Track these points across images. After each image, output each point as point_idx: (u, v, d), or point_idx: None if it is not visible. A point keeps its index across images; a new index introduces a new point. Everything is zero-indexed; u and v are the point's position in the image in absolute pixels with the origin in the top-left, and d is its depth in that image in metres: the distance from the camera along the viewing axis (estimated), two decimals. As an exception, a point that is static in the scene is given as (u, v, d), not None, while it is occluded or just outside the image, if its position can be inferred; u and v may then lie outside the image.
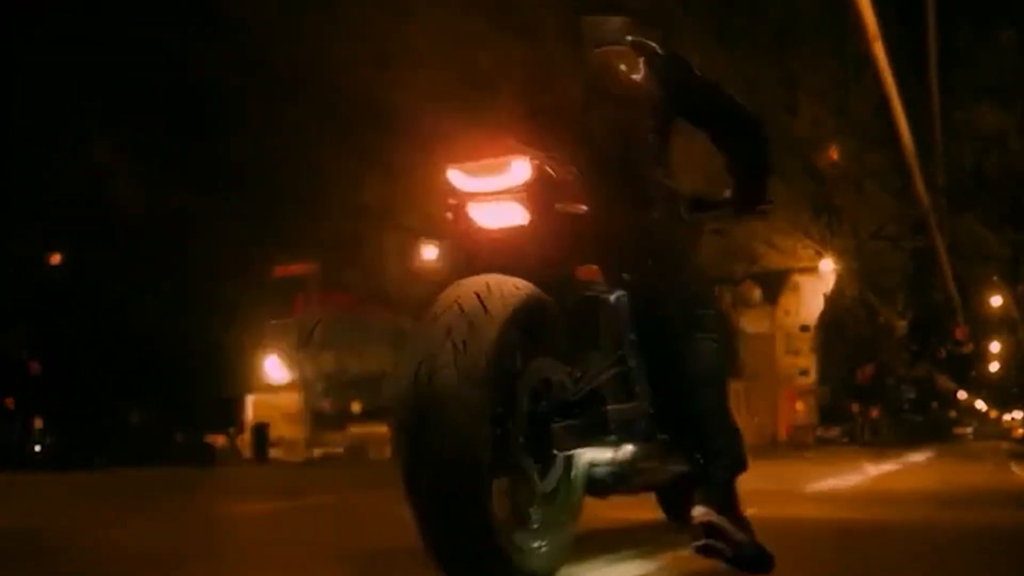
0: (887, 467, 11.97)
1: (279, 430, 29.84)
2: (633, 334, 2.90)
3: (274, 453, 28.44)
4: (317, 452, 28.70)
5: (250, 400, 31.34)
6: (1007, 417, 63.06)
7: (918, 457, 16.76)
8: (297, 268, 28.77)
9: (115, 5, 23.11)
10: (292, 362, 30.50)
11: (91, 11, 22.53)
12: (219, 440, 28.62)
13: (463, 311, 2.36)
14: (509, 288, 2.46)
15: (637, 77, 2.99)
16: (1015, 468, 12.08)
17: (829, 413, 43.47)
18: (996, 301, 31.46)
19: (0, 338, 24.51)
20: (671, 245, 3.04)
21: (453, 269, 2.66)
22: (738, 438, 2.92)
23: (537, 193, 2.66)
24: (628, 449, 2.80)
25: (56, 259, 24.99)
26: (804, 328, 39.02)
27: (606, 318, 2.84)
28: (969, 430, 68.00)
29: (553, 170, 2.72)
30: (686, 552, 2.79)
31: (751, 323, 35.87)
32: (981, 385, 63.95)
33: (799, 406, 41.29)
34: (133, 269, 24.18)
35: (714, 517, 2.69)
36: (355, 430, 30.42)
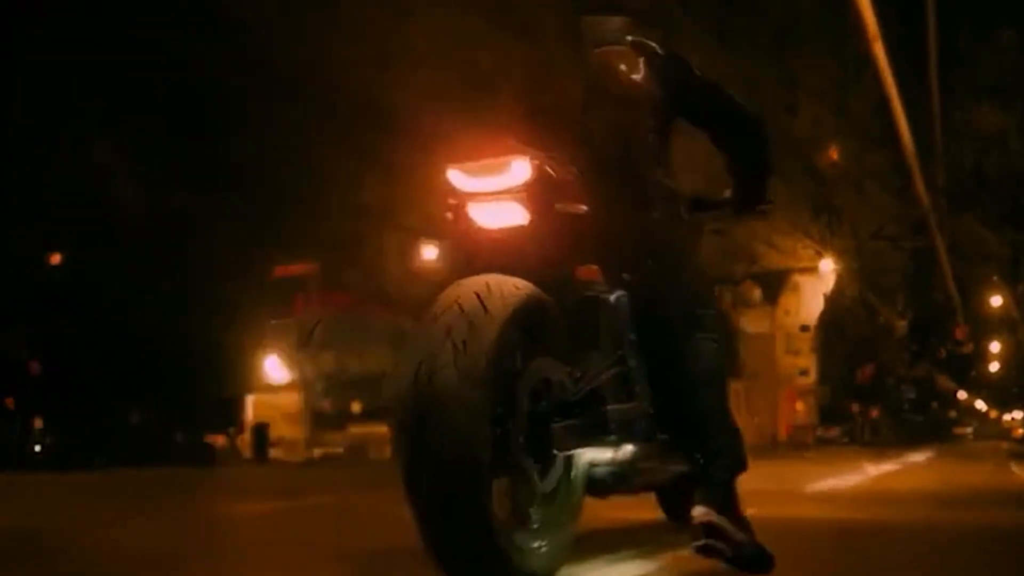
0: (887, 467, 11.97)
1: (279, 430, 29.84)
2: (633, 334, 2.90)
3: (274, 453, 28.43)
4: (317, 452, 28.71)
5: (250, 400, 31.34)
6: (1007, 417, 63.06)
7: (918, 457, 16.76)
8: (297, 268, 28.77)
9: (115, 5, 23.10)
10: (292, 362, 30.51)
11: (91, 11, 22.52)
12: (219, 440, 28.62)
13: (463, 311, 2.36)
14: (509, 288, 2.46)
15: (637, 77, 2.99)
16: (1015, 468, 12.08)
17: (829, 413, 43.47)
18: (996, 301, 31.45)
19: (0, 338, 24.51)
20: (671, 245, 3.03)
21: (453, 269, 2.65)
22: (738, 438, 2.92)
23: (537, 193, 2.66)
24: (628, 449, 2.80)
25: (56, 259, 24.99)
26: (804, 328, 39.02)
27: (606, 318, 2.84)
28: (969, 430, 67.99)
29: (553, 170, 2.72)
30: (686, 552, 2.80)
31: (751, 323, 35.86)
32: (981, 385, 63.95)
33: (799, 406, 41.29)
34: (133, 269, 24.17)
35: (714, 517, 2.69)
36: (355, 430, 30.42)
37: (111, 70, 23.42)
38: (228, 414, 29.91)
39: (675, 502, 3.67)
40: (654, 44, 3.06)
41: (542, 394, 2.60)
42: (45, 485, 10.58)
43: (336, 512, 6.08)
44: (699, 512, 2.72)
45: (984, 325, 36.14)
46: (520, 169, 2.66)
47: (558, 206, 2.71)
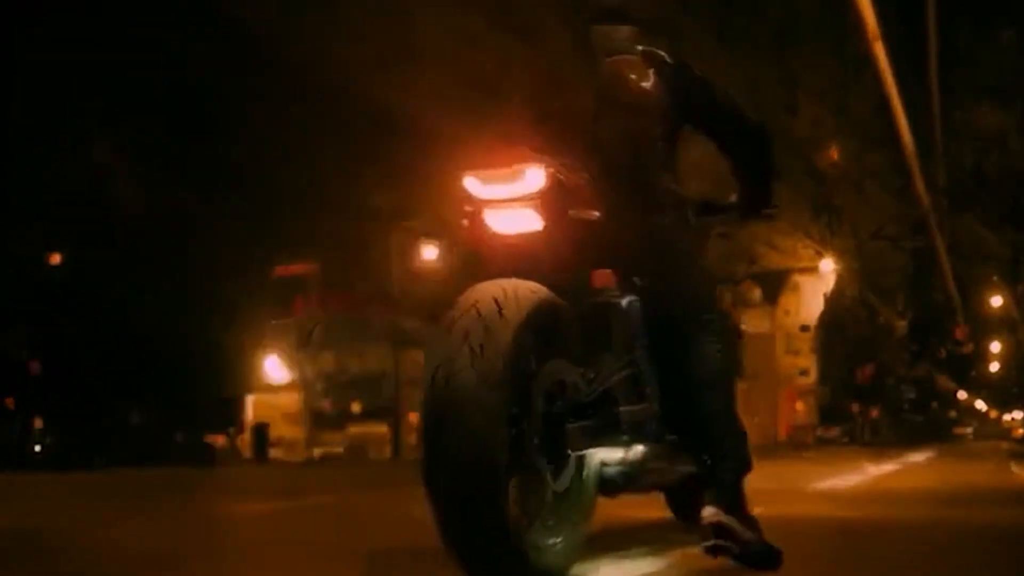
0: (888, 467, 11.97)
1: (279, 430, 29.84)
2: (645, 337, 2.97)
3: (274, 453, 28.43)
4: (317, 452, 28.71)
5: (250, 400, 31.34)
6: (1007, 417, 63.06)
7: (918, 457, 16.76)
8: (297, 268, 28.79)
9: (115, 5, 23.10)
10: (292, 362, 30.51)
11: (91, 11, 22.52)
12: (219, 440, 28.62)
13: (480, 315, 2.42)
14: (524, 292, 2.52)
15: (647, 85, 3.07)
16: (1015, 468, 12.08)
17: (829, 413, 43.48)
18: (996, 301, 31.44)
19: (0, 338, 24.50)
20: (680, 250, 3.11)
21: (469, 273, 2.71)
22: (744, 440, 3.00)
23: (551, 200, 2.73)
24: (638, 450, 2.87)
25: (56, 259, 24.98)
26: (804, 328, 39.03)
27: (618, 322, 2.91)
28: (969, 430, 68.00)
29: (566, 177, 2.79)
30: (695, 550, 2.86)
31: (751, 323, 35.82)
32: (981, 385, 63.95)
33: (799, 406, 41.31)
34: (133, 269, 24.17)
35: (723, 517, 2.77)
36: (355, 430, 30.42)
37: (111, 70, 23.43)
38: (228, 414, 29.90)
39: (683, 502, 3.76)
40: (663, 53, 3.15)
41: (556, 395, 2.66)
42: (45, 485, 10.58)
43: (336, 512, 6.08)
44: (708, 513, 2.79)
45: (984, 325, 36.12)
46: (535, 177, 2.72)
47: (571, 212, 2.77)
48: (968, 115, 21.17)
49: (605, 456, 2.82)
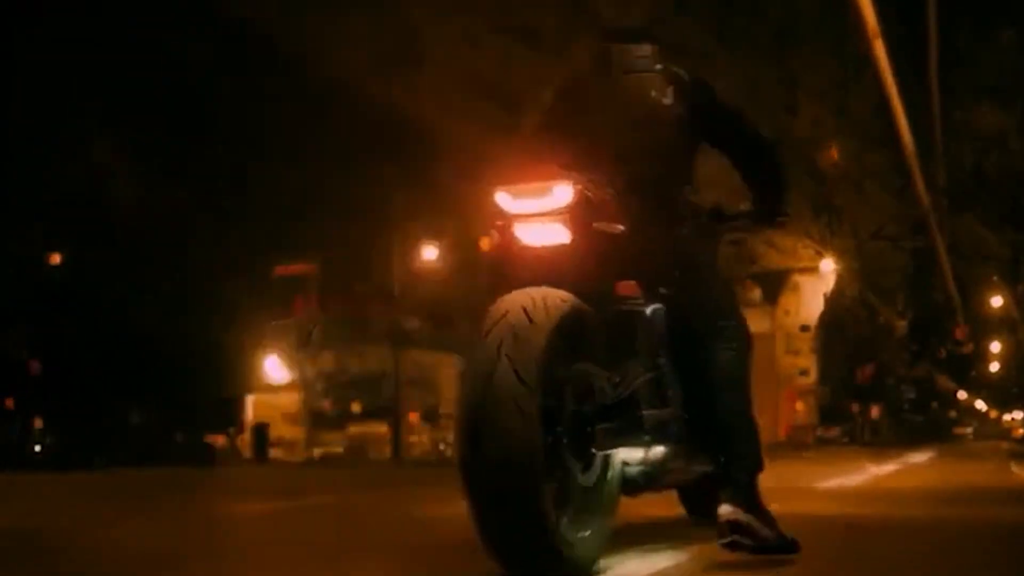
0: (889, 467, 11.98)
1: (279, 430, 29.83)
2: (668, 344, 3.14)
3: (274, 453, 28.42)
4: (317, 452, 28.70)
5: (250, 400, 31.33)
6: (1007, 417, 63.04)
7: (919, 457, 16.76)
8: (297, 268, 28.80)
9: (115, 5, 23.11)
10: (292, 362, 30.51)
11: (91, 11, 22.53)
12: (219, 440, 28.60)
13: (514, 322, 2.57)
14: (554, 300, 2.67)
15: (667, 102, 3.24)
16: (1015, 468, 12.07)
17: (829, 413, 43.45)
18: (996, 301, 31.43)
19: (0, 338, 24.50)
20: (699, 260, 3.31)
21: (500, 283, 2.83)
22: (756, 440, 3.14)
23: (578, 214, 2.87)
24: (659, 450, 3.03)
25: (56, 259, 24.97)
26: (804, 328, 39.00)
27: (643, 329, 3.06)
28: (969, 430, 67.99)
29: (593, 192, 2.93)
30: (712, 545, 2.99)
31: (751, 323, 35.73)
32: (981, 385, 63.96)
33: (799, 406, 41.28)
34: (133, 269, 24.17)
35: (741, 515, 2.92)
36: (355, 430, 30.41)
37: (111, 70, 23.43)
38: (228, 414, 29.89)
39: (697, 500, 3.96)
40: (682, 71, 3.31)
41: (585, 398, 2.81)
42: (45, 485, 10.58)
43: (336, 512, 6.08)
44: (725, 511, 2.93)
45: (984, 325, 36.11)
46: (563, 192, 2.86)
47: (597, 225, 2.91)
48: (968, 115, 21.17)
49: (627, 456, 2.97)
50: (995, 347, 43.69)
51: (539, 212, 2.88)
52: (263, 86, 24.73)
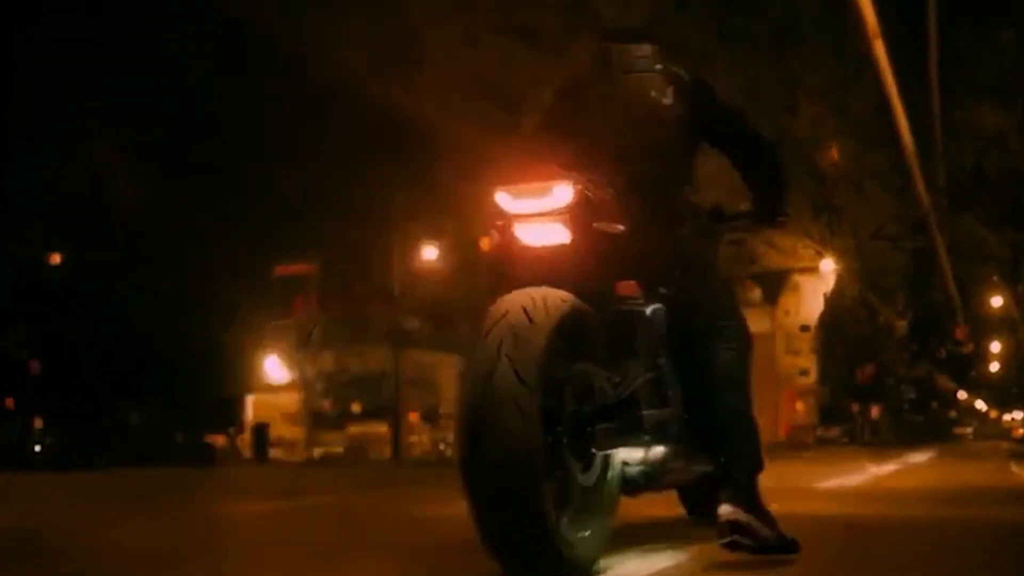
0: (889, 467, 11.97)
1: (279, 430, 29.82)
2: (668, 344, 3.14)
3: (274, 453, 28.42)
4: (317, 452, 28.70)
5: (250, 400, 31.32)
6: (1007, 417, 63.02)
7: (919, 457, 16.75)
8: (297, 268, 28.79)
9: (115, 5, 23.10)
10: (292, 362, 30.50)
11: (91, 11, 22.52)
12: (219, 440, 28.60)
13: (514, 322, 2.57)
14: (554, 300, 2.67)
15: (667, 102, 3.24)
16: (1015, 468, 12.08)
17: (829, 413, 43.43)
18: (996, 301, 31.42)
19: (0, 338, 24.49)
20: (699, 260, 3.32)
21: (500, 283, 2.83)
22: (756, 440, 3.15)
23: (578, 214, 2.87)
24: (659, 450, 3.04)
25: (56, 259, 24.97)
26: (804, 328, 38.98)
27: (643, 329, 3.06)
28: (969, 430, 67.98)
29: (593, 193, 2.94)
30: (712, 545, 3.00)
31: (751, 323, 35.73)
32: (981, 385, 63.93)
33: (799, 406, 41.26)
34: (133, 269, 24.16)
35: (741, 515, 2.92)
36: (355, 430, 30.40)
37: (111, 70, 23.42)
38: (228, 414, 29.89)
39: (696, 500, 3.97)
40: (682, 71, 3.32)
41: (585, 398, 2.81)
42: (45, 485, 10.58)
43: (336, 512, 6.09)
44: (725, 511, 2.94)
45: (984, 325, 36.10)
46: (563, 192, 2.86)
47: (597, 225, 2.91)
48: (968, 115, 21.16)
49: (627, 456, 2.97)
50: (995, 347, 43.69)
51: (539, 212, 2.88)
52: (263, 86, 24.73)
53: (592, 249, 2.90)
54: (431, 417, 31.77)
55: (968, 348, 37.10)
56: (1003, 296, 30.49)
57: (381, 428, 29.26)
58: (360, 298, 29.22)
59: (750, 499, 2.99)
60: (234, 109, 24.45)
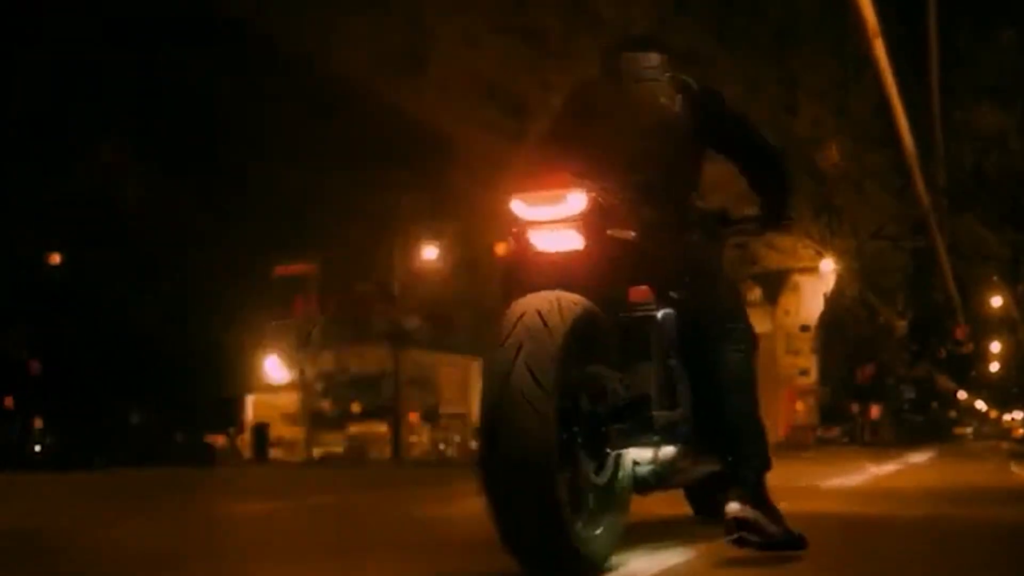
0: (889, 467, 11.97)
1: (279, 430, 29.83)
2: (678, 347, 3.20)
3: (274, 453, 28.43)
4: (317, 452, 28.69)
5: (250, 400, 31.33)
6: (1007, 417, 63.05)
7: (919, 457, 16.76)
8: (297, 268, 28.78)
9: (116, 6, 23.10)
10: (292, 362, 30.49)
11: (91, 12, 22.53)
12: (219, 440, 28.62)
13: (530, 325, 2.64)
14: (568, 303, 2.74)
15: (676, 110, 3.32)
16: (1015, 468, 12.08)
17: (829, 413, 43.45)
18: (996, 301, 31.41)
19: (0, 338, 24.49)
20: (708, 264, 3.40)
21: (515, 288, 2.89)
22: (764, 440, 3.22)
23: (592, 221, 2.95)
24: (669, 450, 3.11)
25: (56, 259, 24.96)
26: (804, 328, 38.98)
27: (655, 333, 3.12)
28: (969, 430, 68.02)
29: (605, 200, 3.01)
30: (720, 542, 3.07)
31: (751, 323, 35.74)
32: (981, 385, 63.91)
33: (799, 406, 41.26)
34: (133, 269, 24.17)
35: (749, 512, 2.98)
36: (355, 430, 30.42)
37: (112, 71, 23.42)
38: (228, 414, 29.90)
39: (703, 498, 4.05)
40: (690, 80, 3.40)
41: (598, 399, 2.88)
42: (45, 485, 10.58)
43: (336, 512, 6.08)
44: (733, 508, 3.00)
45: (984, 325, 36.09)
46: (576, 200, 2.93)
47: (610, 232, 2.99)
48: (968, 115, 21.16)
49: (637, 456, 3.05)
50: (995, 347, 43.66)
51: (554, 219, 2.95)
52: (263, 86, 24.73)
53: (605, 255, 2.97)
54: (431, 417, 31.79)
55: (968, 348, 37.09)
56: (1003, 296, 30.48)
57: (381, 428, 29.27)
58: (360, 298, 29.22)
59: (758, 496, 3.05)
60: (234, 109, 24.44)
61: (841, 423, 42.90)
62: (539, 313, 2.65)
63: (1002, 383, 53.94)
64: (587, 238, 2.94)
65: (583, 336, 2.74)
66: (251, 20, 22.10)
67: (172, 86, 24.36)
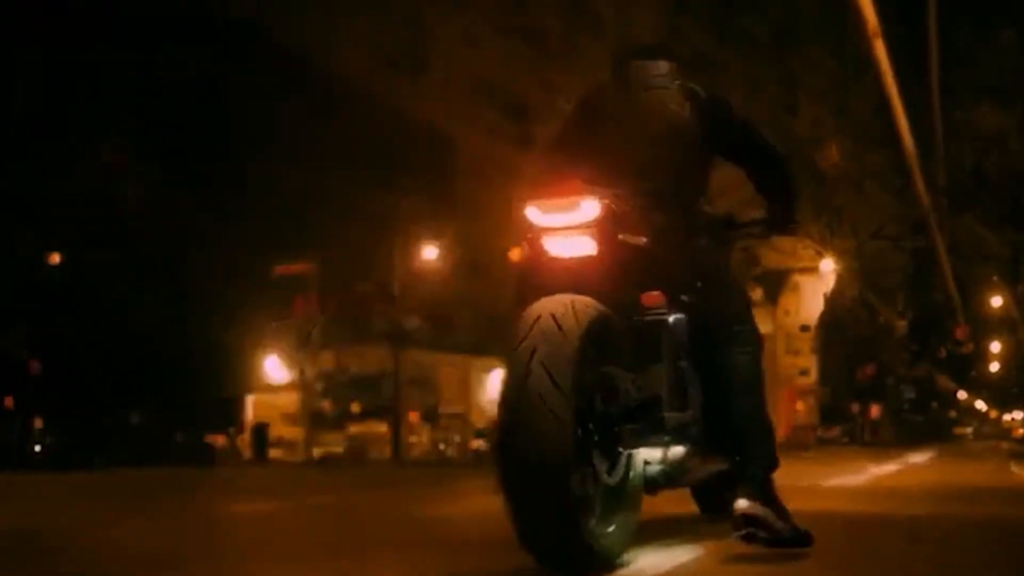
0: (889, 467, 11.97)
1: (279, 430, 29.81)
2: (689, 349, 3.28)
3: (274, 453, 28.42)
4: (317, 452, 28.67)
5: (250, 400, 31.31)
6: (1007, 417, 63.06)
7: (919, 457, 16.76)
8: (297, 268, 28.73)
9: (116, 5, 23.11)
10: (292, 362, 30.47)
11: (91, 12, 22.53)
12: (219, 440, 28.60)
13: (546, 328, 2.71)
14: (582, 306, 2.81)
15: (685, 117, 3.39)
16: (1015, 468, 12.08)
17: (829, 413, 43.43)
18: (996, 301, 31.44)
19: (0, 338, 24.49)
20: (716, 269, 3.48)
21: (529, 293, 2.94)
22: (771, 440, 3.30)
23: (605, 228, 3.02)
24: (678, 450, 3.18)
25: (56, 259, 24.96)
26: (804, 328, 38.96)
27: (666, 337, 3.20)
28: (969, 430, 68.03)
29: (617, 206, 3.07)
30: (728, 539, 3.12)
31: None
32: (981, 385, 63.96)
33: (799, 406, 41.24)
34: (133, 269, 24.16)
35: (757, 509, 3.05)
36: (355, 430, 30.40)
37: (112, 71, 23.42)
38: (228, 414, 29.89)
39: (709, 498, 4.13)
40: (698, 88, 3.46)
41: (611, 400, 2.95)
42: (45, 485, 10.58)
43: (336, 512, 6.08)
44: (742, 505, 3.06)
45: (984, 325, 36.12)
46: (589, 207, 3.01)
47: (622, 237, 3.05)
48: (968, 115, 21.18)
49: (648, 455, 3.10)
50: (995, 347, 43.70)
51: (568, 225, 3.02)
52: (264, 86, 24.73)
53: (617, 260, 3.04)
54: (431, 417, 31.77)
55: (968, 348, 37.12)
56: (1003, 296, 30.49)
57: (381, 428, 29.26)
58: (360, 298, 29.20)
59: (766, 494, 3.10)
60: (234, 109, 24.45)
61: (841, 423, 42.89)
62: (554, 316, 2.71)
63: (1002, 383, 53.98)
64: (600, 244, 3.00)
65: (597, 339, 2.80)
66: (251, 20, 22.11)
67: (172, 86, 24.35)
